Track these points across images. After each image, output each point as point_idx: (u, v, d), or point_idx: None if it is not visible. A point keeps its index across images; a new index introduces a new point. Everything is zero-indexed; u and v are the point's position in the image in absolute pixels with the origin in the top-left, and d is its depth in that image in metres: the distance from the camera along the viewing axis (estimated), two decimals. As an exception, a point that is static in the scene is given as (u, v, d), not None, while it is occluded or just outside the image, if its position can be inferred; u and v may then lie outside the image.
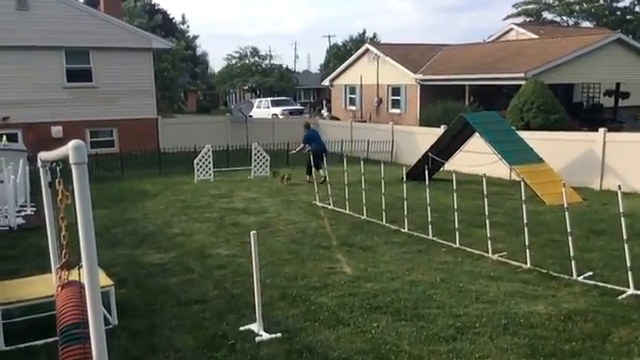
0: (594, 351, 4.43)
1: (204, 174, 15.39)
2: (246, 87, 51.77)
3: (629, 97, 28.47)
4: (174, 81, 39.63)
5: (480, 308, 5.50)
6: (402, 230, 9.12)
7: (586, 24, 46.97)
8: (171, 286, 6.63)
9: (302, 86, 55.75)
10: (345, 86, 33.94)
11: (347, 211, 10.72)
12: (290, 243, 8.55)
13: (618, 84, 27.81)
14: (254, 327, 5.19)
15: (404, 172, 11.18)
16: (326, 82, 36.12)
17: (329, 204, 11.32)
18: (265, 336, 5.03)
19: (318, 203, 11.61)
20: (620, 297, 5.66)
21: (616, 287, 5.92)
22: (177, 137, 20.13)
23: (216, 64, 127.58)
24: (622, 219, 6.05)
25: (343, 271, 7.06)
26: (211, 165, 15.46)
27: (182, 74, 43.82)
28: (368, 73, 31.17)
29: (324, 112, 37.21)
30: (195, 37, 58.78)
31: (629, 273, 5.84)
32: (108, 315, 5.38)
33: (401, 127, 21.41)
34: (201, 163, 15.39)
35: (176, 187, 14.31)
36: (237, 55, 51.20)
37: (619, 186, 6.35)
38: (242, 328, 5.24)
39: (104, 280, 5.44)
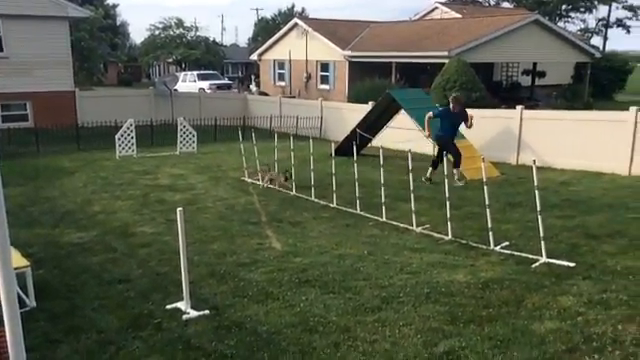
0: (509, 316, 4.70)
1: (126, 150, 14.82)
2: (171, 60, 49.98)
3: (545, 76, 30.05)
4: (93, 52, 37.63)
5: (404, 279, 5.68)
6: (331, 205, 9.23)
7: (506, 4, 48.82)
8: (92, 266, 6.38)
9: (230, 60, 54.56)
10: (274, 61, 33.57)
11: (277, 187, 10.70)
12: (218, 220, 8.45)
13: (535, 64, 29.23)
14: (181, 305, 5.11)
15: (333, 148, 11.27)
16: (254, 56, 35.58)
17: (258, 180, 11.24)
18: (193, 313, 4.96)
19: (247, 179, 11.50)
20: (534, 265, 6.02)
21: (530, 256, 6.28)
22: (97, 111, 19.20)
23: (138, 35, 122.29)
24: (536, 192, 6.41)
25: (272, 247, 7.07)
26: (134, 140, 14.90)
27: (101, 44, 41.68)
28: (297, 48, 30.97)
29: (252, 87, 36.68)
30: (114, 5, 55.93)
31: (542, 243, 6.22)
32: (25, 297, 5.13)
33: (330, 103, 21.50)
34: (123, 138, 14.80)
35: (96, 163, 13.70)
36: (161, 26, 49.20)
37: (534, 161, 6.71)
38: (169, 306, 5.15)
39: (19, 261, 5.16)
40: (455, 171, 10.97)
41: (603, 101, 30.39)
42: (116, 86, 44.59)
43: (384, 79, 24.43)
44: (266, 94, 30.61)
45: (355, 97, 23.34)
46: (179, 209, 5.11)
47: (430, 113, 11.16)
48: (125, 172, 12.53)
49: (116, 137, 14.73)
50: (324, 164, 11.38)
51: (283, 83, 32.86)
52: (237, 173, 12.12)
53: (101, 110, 19.21)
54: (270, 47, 33.66)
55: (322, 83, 30.40)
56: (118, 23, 57.75)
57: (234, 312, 5.01)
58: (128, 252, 6.89)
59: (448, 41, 24.38)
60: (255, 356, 4.19)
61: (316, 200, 9.61)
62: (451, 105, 11.32)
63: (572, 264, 5.91)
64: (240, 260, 6.50)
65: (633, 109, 11.79)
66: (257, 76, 38.51)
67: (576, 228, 7.41)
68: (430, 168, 11.19)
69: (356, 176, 8.86)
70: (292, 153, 10.50)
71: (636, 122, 11.61)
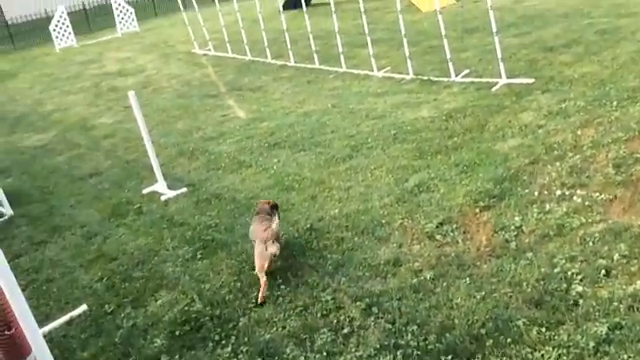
0: (473, 142, 4.85)
1: (65, 40, 13.92)
2: None
3: None
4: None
5: (371, 124, 5.75)
6: (289, 64, 9.00)
7: None
8: (60, 165, 6.32)
9: None
10: None
11: (230, 54, 10.33)
12: (177, 98, 8.25)
13: None
14: (157, 187, 5.16)
15: (280, 3, 10.69)
16: None
17: (210, 50, 10.81)
18: (170, 193, 5.03)
19: (198, 51, 11.05)
20: (494, 89, 6.09)
21: (490, 80, 6.33)
22: (22, 3, 17.71)
23: None
24: (491, 13, 6.27)
25: (237, 116, 7.00)
26: (70, 29, 13.94)
27: None
28: None
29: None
30: None
31: (500, 64, 6.23)
32: (-1, 208, 5.13)
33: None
34: (58, 29, 13.83)
35: (37, 60, 12.96)
36: None
37: (486, -19, 6.48)
38: (145, 191, 5.20)
39: (-18, 174, 5.08)
40: None
41: None
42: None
43: None
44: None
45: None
46: (131, 92, 4.95)
47: None
48: (69, 64, 11.91)
49: (50, 29, 13.75)
50: (275, 22, 10.87)
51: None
52: (186, 46, 11.60)
53: (26, 1, 17.70)
54: None
55: None
56: None
57: (210, 185, 5.09)
58: (92, 146, 6.79)
59: None
60: (238, 221, 4.33)
61: (273, 61, 9.35)
62: None
63: (531, 80, 5.99)
64: (207, 135, 6.46)
65: None
66: None
67: (533, 44, 7.40)
68: None
69: (309, 28, 8.53)
70: (238, 15, 9.97)
71: None
